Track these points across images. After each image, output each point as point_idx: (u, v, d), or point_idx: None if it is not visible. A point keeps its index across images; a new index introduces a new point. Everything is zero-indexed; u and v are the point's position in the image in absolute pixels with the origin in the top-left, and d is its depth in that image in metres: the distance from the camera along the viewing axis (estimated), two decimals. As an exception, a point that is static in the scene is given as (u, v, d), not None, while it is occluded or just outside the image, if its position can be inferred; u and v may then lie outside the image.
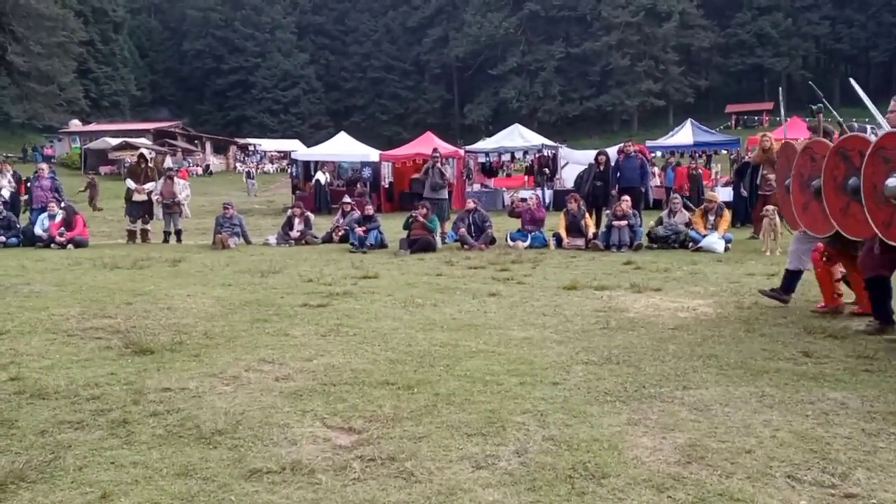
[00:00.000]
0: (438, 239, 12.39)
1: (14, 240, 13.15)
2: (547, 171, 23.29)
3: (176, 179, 14.51)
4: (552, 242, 11.95)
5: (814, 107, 6.49)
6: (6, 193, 14.64)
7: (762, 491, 2.72)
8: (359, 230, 12.51)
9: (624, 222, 11.40)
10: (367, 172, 24.48)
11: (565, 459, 3.03)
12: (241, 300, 6.98)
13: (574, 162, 23.37)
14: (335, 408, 3.71)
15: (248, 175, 32.63)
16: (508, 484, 2.80)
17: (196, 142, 53.89)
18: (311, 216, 14.70)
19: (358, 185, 22.45)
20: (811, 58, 70.49)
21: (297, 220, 13.91)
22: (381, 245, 12.48)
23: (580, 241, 11.76)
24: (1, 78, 58.73)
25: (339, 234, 13.70)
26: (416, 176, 22.20)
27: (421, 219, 12.05)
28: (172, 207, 13.90)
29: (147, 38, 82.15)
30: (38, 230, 13.16)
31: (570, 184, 19.36)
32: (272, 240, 13.67)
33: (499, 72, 72.38)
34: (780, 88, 8.23)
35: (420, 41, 79.85)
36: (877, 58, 68.13)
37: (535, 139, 24.40)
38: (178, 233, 13.98)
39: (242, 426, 3.42)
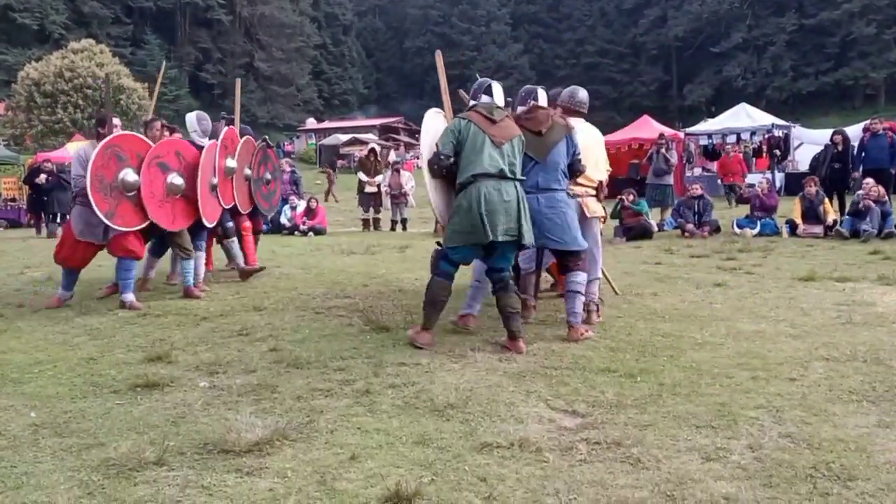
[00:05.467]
0: (653, 224, 12.01)
1: (265, 227, 14.80)
2: (778, 152, 21.56)
3: (402, 172, 15.42)
4: (785, 230, 11.09)
5: None
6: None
7: None
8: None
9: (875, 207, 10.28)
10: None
11: (805, 458, 2.86)
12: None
13: (809, 142, 21.43)
14: (558, 391, 3.79)
15: None
16: (742, 478, 2.71)
17: (417, 136, 56.61)
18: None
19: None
20: None
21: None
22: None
23: (818, 229, 10.78)
24: (249, 83, 66.09)
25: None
26: (634, 161, 21.56)
27: (628, 204, 11.76)
28: (399, 198, 14.80)
29: (372, 39, 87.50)
30: (283, 219, 14.67)
31: (803, 167, 17.83)
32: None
33: (722, 49, 67.84)
34: None
35: (636, 23, 77.16)
36: None
37: (763, 119, 22.62)
38: (404, 221, 14.87)
39: (472, 402, 3.61)
